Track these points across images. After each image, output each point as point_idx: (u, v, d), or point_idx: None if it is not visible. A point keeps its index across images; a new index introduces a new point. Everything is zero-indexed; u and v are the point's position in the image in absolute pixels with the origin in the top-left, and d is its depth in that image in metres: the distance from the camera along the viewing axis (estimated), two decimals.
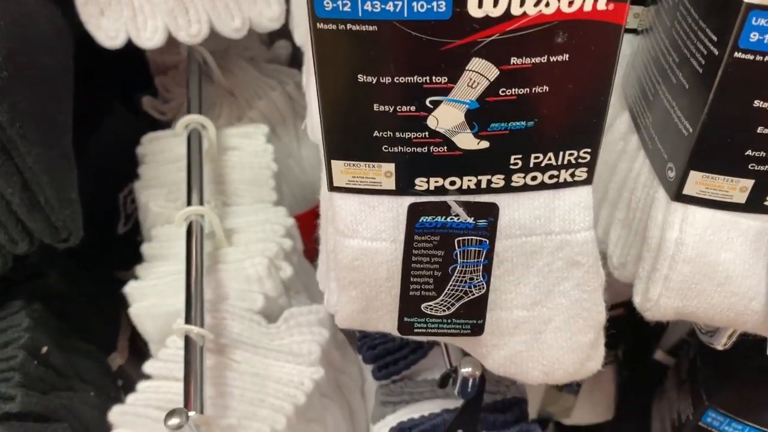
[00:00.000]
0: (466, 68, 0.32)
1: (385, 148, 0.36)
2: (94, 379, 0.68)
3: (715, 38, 0.35)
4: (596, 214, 0.51)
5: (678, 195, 0.41)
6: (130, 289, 0.63)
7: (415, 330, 0.40)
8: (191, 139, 0.67)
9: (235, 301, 0.61)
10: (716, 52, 0.35)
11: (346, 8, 0.30)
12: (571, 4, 0.30)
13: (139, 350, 0.75)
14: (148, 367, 0.58)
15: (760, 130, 0.37)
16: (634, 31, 0.49)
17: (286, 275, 0.63)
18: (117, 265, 0.81)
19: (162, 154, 0.73)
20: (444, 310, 0.40)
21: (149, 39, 0.62)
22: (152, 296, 0.63)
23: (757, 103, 0.36)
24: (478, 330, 0.40)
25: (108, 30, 0.61)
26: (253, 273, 0.61)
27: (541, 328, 0.41)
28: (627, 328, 0.82)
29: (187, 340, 0.54)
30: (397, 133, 0.35)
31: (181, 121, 0.69)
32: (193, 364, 0.53)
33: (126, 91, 0.90)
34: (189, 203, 0.62)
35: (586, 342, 0.42)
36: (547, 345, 0.42)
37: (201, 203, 0.63)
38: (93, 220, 0.80)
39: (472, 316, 0.40)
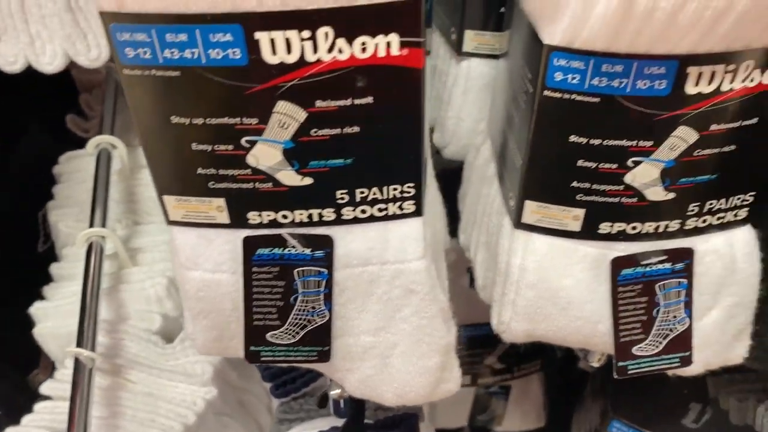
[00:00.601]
0: (274, 111, 0.33)
1: (212, 185, 0.37)
2: (4, 397, 0.69)
3: (530, 76, 0.37)
4: (470, 236, 0.52)
5: (518, 223, 0.42)
6: (35, 309, 0.64)
7: (262, 358, 0.41)
8: (100, 159, 0.68)
9: (134, 322, 0.62)
10: (531, 90, 0.37)
11: (147, 55, 0.31)
12: (364, 50, 0.32)
13: None
14: (44, 388, 0.59)
15: (580, 163, 0.38)
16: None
17: None
18: (41, 283, 0.82)
19: (77, 174, 0.74)
20: (289, 339, 0.41)
21: (49, 64, 0.63)
22: (55, 317, 0.63)
23: (573, 138, 0.37)
24: (324, 357, 0.42)
25: (6, 55, 0.62)
26: (152, 293, 0.62)
27: (388, 353, 0.42)
28: None
29: (77, 363, 0.55)
30: (220, 171, 0.36)
31: (91, 141, 0.69)
32: (80, 386, 0.53)
33: (57, 109, 0.90)
34: (91, 224, 0.63)
35: (432, 366, 0.43)
36: (396, 369, 0.43)
37: (104, 224, 0.64)
38: (15, 238, 0.80)
39: (317, 343, 0.41)
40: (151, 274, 0.64)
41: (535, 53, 0.35)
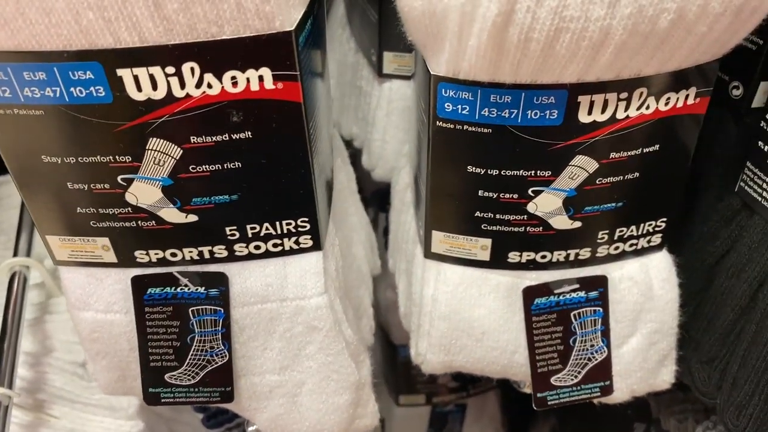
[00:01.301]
0: (147, 148, 0.32)
1: (93, 224, 0.35)
2: None
3: (424, 106, 0.35)
4: (395, 262, 0.51)
5: (428, 253, 0.41)
6: None
7: (162, 400, 0.40)
8: None
9: (59, 354, 0.60)
10: (425, 120, 0.35)
11: (7, 94, 0.30)
12: (235, 84, 0.30)
13: None
14: None
15: (481, 193, 0.37)
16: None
17: None
18: None
19: (8, 199, 0.72)
20: (189, 380, 0.39)
21: None
22: None
23: (470, 168, 0.36)
24: (227, 397, 0.40)
25: None
26: None
27: (296, 392, 0.41)
28: None
29: None
30: (100, 210, 0.34)
31: None
32: None
33: None
34: (15, 253, 0.61)
35: (343, 403, 0.41)
36: (306, 407, 0.41)
37: (29, 253, 0.62)
38: None
39: (219, 383, 0.40)
40: None
41: (426, 83, 0.34)
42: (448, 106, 0.33)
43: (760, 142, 0.38)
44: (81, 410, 0.57)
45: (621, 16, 0.27)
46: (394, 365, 0.87)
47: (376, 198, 0.78)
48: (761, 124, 0.38)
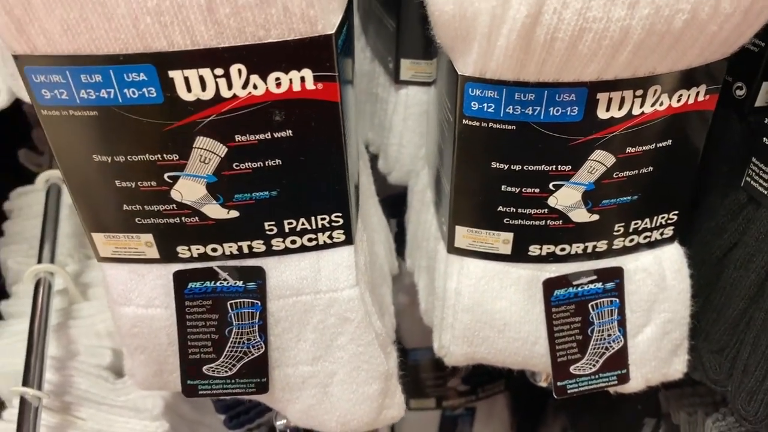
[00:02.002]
0: (194, 146, 0.34)
1: (139, 220, 0.37)
2: None
3: (449, 105, 0.38)
4: (414, 260, 0.53)
5: (451, 247, 0.43)
6: None
7: (200, 392, 0.41)
8: (50, 195, 0.68)
9: (84, 358, 0.61)
10: (451, 119, 0.37)
11: (64, 96, 0.32)
12: (279, 85, 0.32)
13: None
14: None
15: (504, 188, 0.39)
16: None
17: None
18: None
19: (28, 209, 0.74)
20: (226, 371, 0.41)
21: None
22: (4, 356, 0.63)
23: (494, 164, 0.38)
24: (262, 388, 0.42)
25: None
26: (102, 328, 0.62)
27: (327, 382, 0.42)
28: None
29: (23, 402, 0.54)
30: (145, 206, 0.36)
31: (41, 176, 0.69)
32: (26, 425, 0.53)
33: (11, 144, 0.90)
34: (40, 260, 0.63)
35: (372, 393, 0.43)
36: (336, 397, 0.43)
37: (52, 260, 0.63)
38: None
39: (255, 375, 0.41)
40: (101, 309, 0.63)
41: (453, 83, 0.36)
42: (474, 104, 0.36)
43: (764, 139, 0.41)
44: (107, 412, 0.59)
45: (640, 16, 0.30)
46: (403, 369, 0.88)
47: (386, 204, 0.79)
48: (765, 121, 0.41)
